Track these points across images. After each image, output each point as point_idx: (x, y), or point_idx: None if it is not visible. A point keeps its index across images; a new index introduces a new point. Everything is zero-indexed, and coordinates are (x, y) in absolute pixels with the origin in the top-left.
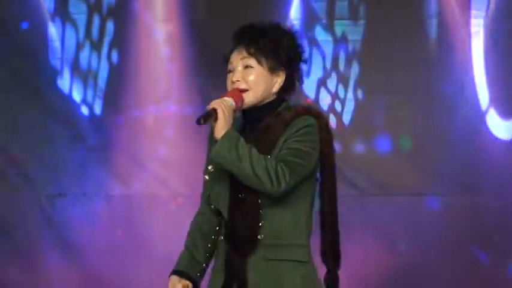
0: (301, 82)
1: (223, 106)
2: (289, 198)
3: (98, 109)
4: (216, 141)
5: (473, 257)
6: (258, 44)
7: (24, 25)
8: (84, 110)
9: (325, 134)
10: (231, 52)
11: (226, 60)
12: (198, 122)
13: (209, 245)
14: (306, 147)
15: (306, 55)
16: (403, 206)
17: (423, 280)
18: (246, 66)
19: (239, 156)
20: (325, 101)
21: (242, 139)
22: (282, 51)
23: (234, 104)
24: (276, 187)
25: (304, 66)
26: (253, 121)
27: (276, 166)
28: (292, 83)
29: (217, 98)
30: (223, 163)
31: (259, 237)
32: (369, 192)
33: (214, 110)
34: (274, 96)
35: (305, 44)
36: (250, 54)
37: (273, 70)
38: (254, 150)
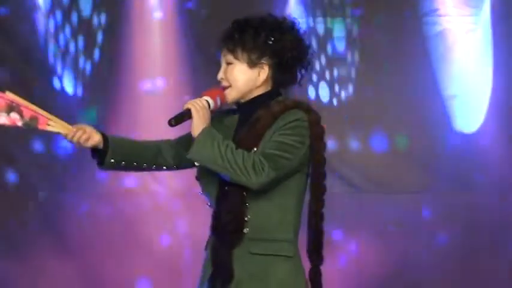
0: (304, 71)
1: (197, 105)
2: (276, 193)
3: (93, 105)
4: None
5: (468, 255)
6: (234, 39)
7: (20, 22)
8: (78, 105)
9: (316, 129)
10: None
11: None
12: (170, 123)
13: (135, 162)
14: (291, 141)
15: (299, 43)
16: (398, 203)
17: (418, 277)
18: (228, 63)
19: (214, 153)
20: (322, 98)
21: (218, 136)
22: (261, 42)
23: (212, 102)
24: (253, 180)
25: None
26: (246, 114)
27: (254, 159)
28: (285, 74)
29: (196, 97)
30: (200, 161)
31: (244, 230)
32: (365, 189)
33: (189, 110)
34: (266, 89)
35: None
36: (229, 51)
37: (253, 63)
38: (231, 146)
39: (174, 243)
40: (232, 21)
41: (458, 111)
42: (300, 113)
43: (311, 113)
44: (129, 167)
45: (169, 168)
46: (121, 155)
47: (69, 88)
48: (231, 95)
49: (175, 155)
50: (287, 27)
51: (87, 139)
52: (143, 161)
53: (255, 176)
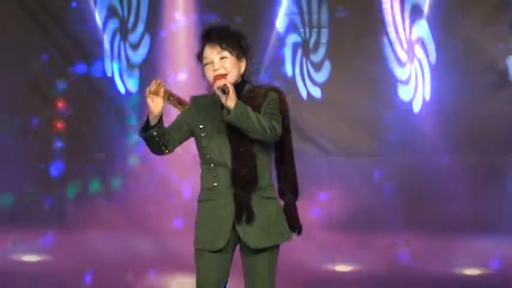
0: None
1: (229, 83)
2: (268, 149)
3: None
4: (221, 107)
5: (410, 198)
6: (228, 40)
7: (80, 26)
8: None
9: (284, 104)
10: (202, 49)
11: (200, 56)
12: (224, 91)
13: (161, 143)
14: (277, 111)
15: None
16: (359, 164)
17: (375, 217)
18: (222, 58)
19: (249, 116)
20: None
21: (247, 106)
22: (242, 45)
23: None
24: (274, 135)
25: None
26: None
27: (270, 121)
28: (249, 68)
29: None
30: (238, 121)
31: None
32: (334, 153)
33: (226, 86)
34: (241, 79)
35: (289, 46)
36: (223, 48)
37: (239, 58)
38: (256, 112)
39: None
40: (216, 26)
41: (406, 94)
42: (275, 94)
43: (280, 94)
44: (155, 144)
45: (168, 153)
46: (159, 135)
47: (117, 79)
48: (229, 80)
49: (173, 142)
50: (246, 37)
51: (156, 108)
52: (163, 145)
53: (274, 131)
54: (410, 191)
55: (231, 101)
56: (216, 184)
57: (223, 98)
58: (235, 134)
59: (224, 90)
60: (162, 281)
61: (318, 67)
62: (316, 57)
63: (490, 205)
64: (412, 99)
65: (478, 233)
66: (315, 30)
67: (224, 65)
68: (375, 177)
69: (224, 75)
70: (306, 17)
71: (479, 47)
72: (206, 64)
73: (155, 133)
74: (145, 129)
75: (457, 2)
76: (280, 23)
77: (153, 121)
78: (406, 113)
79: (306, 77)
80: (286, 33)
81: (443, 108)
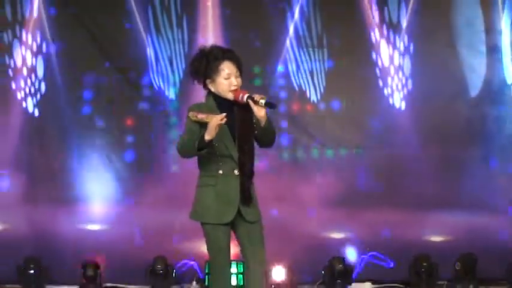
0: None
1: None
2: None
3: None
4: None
5: (389, 181)
6: (240, 64)
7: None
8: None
9: None
10: (220, 62)
11: (214, 65)
12: (271, 106)
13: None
14: None
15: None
16: (347, 154)
17: (363, 199)
18: (237, 77)
19: (273, 124)
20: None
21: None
22: None
23: None
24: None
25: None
26: (229, 106)
27: None
28: None
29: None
30: (267, 128)
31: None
32: (326, 144)
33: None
34: None
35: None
36: (239, 69)
37: (241, 78)
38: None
39: None
40: (232, 50)
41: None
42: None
43: None
44: (195, 155)
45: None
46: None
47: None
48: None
49: None
50: None
51: (215, 130)
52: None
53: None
54: (388, 175)
55: (265, 114)
56: (221, 172)
57: (260, 110)
58: (241, 135)
59: (272, 105)
60: (192, 246)
61: (320, 80)
62: (319, 70)
63: (452, 187)
64: (393, 103)
65: (443, 209)
66: (316, 50)
67: (238, 82)
68: (360, 164)
69: (244, 91)
70: (308, 39)
71: (444, 62)
72: (227, 78)
73: (204, 152)
74: (200, 147)
75: (427, 27)
76: (289, 42)
77: (207, 141)
78: (386, 113)
79: (310, 87)
80: (294, 51)
81: (416, 110)
